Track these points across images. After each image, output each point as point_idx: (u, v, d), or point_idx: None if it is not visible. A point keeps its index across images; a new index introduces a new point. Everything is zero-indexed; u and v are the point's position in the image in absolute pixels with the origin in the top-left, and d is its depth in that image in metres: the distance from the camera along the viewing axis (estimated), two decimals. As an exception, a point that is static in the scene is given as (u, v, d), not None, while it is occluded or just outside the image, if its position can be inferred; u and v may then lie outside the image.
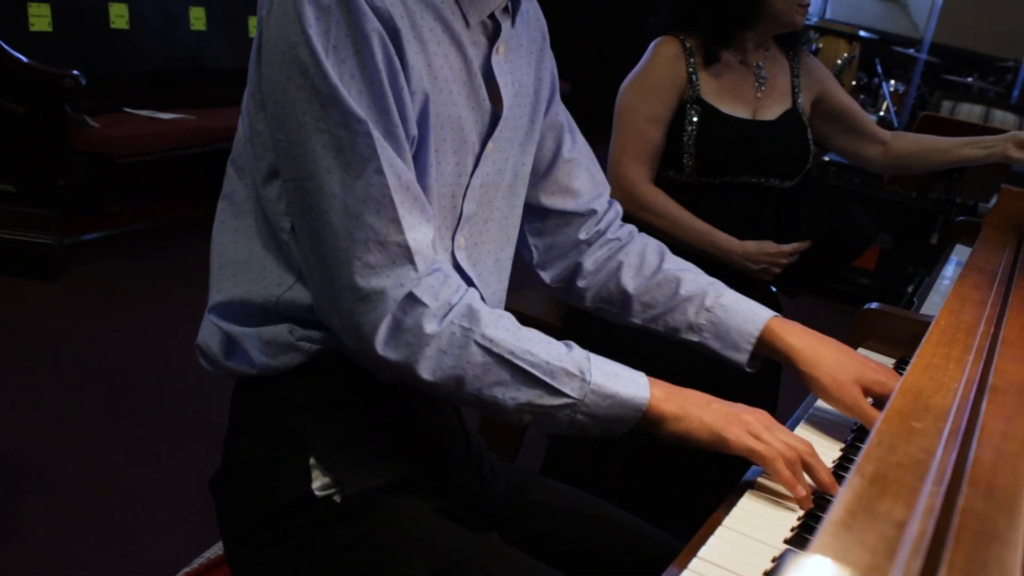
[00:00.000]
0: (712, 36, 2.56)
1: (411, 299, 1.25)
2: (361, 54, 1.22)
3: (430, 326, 1.25)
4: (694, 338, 1.62)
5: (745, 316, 1.58)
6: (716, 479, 2.28)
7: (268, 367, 1.40)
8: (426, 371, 1.27)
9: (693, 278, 1.65)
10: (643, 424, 1.31)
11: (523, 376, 1.28)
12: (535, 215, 1.69)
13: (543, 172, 1.66)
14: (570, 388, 1.28)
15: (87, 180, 4.48)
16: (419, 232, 1.27)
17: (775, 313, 1.60)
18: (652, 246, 1.72)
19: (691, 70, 2.55)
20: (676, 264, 1.69)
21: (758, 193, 2.63)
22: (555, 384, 1.28)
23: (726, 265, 2.58)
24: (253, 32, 5.49)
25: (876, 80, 7.85)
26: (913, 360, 1.07)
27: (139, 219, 4.82)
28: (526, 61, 1.51)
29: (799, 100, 2.69)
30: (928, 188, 5.77)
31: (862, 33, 7.30)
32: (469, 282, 1.46)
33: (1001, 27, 8.89)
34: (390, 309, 1.25)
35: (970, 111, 7.10)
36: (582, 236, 1.70)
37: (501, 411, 1.30)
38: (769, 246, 2.57)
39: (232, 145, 1.46)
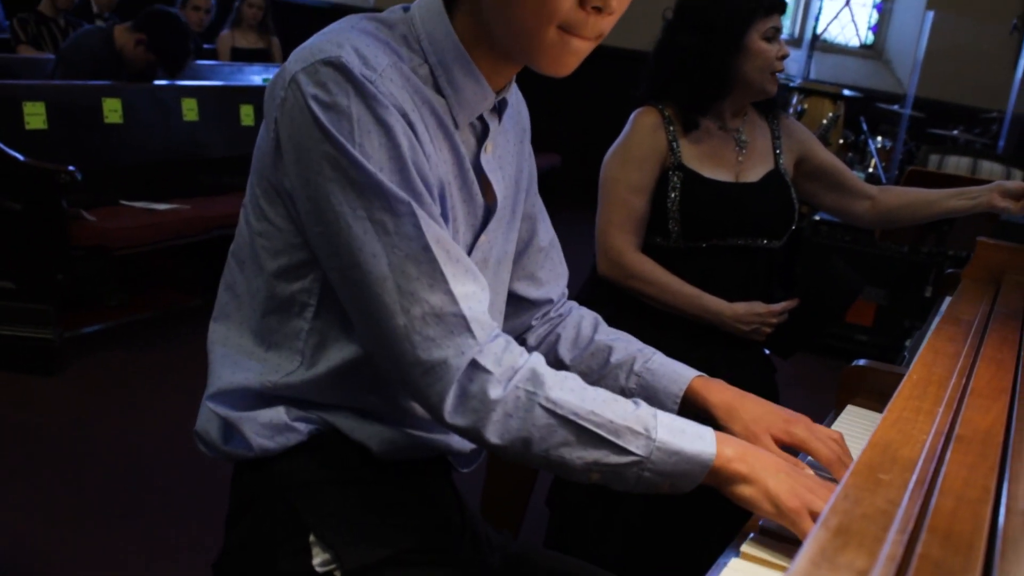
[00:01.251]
0: (689, 106, 2.61)
1: (475, 366, 1.29)
2: (389, 143, 1.28)
3: (495, 391, 1.29)
4: None
5: (670, 377, 1.62)
6: (718, 545, 2.30)
7: (266, 449, 1.43)
8: (494, 435, 1.30)
9: (624, 346, 1.69)
10: (713, 481, 1.32)
11: (588, 436, 1.30)
12: None
13: (513, 259, 1.69)
14: (636, 446, 1.30)
15: (85, 274, 4.53)
16: (473, 301, 1.31)
17: (699, 373, 1.63)
18: (588, 318, 1.76)
19: (671, 138, 2.61)
20: (608, 334, 1.73)
21: (746, 254, 2.67)
22: (621, 443, 1.30)
23: (718, 328, 2.61)
24: (245, 121, 5.57)
25: (863, 137, 7.94)
26: (884, 414, 1.10)
27: (139, 310, 4.85)
28: (511, 153, 1.57)
29: (781, 161, 2.74)
30: (919, 241, 5.83)
31: (846, 92, 7.40)
32: None
33: (983, 78, 9.01)
34: (455, 378, 1.28)
35: (957, 163, 7.18)
36: (534, 323, 1.75)
37: (569, 471, 1.32)
38: (758, 306, 2.60)
39: (233, 235, 1.50)
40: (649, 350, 1.68)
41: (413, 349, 1.29)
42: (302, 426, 1.43)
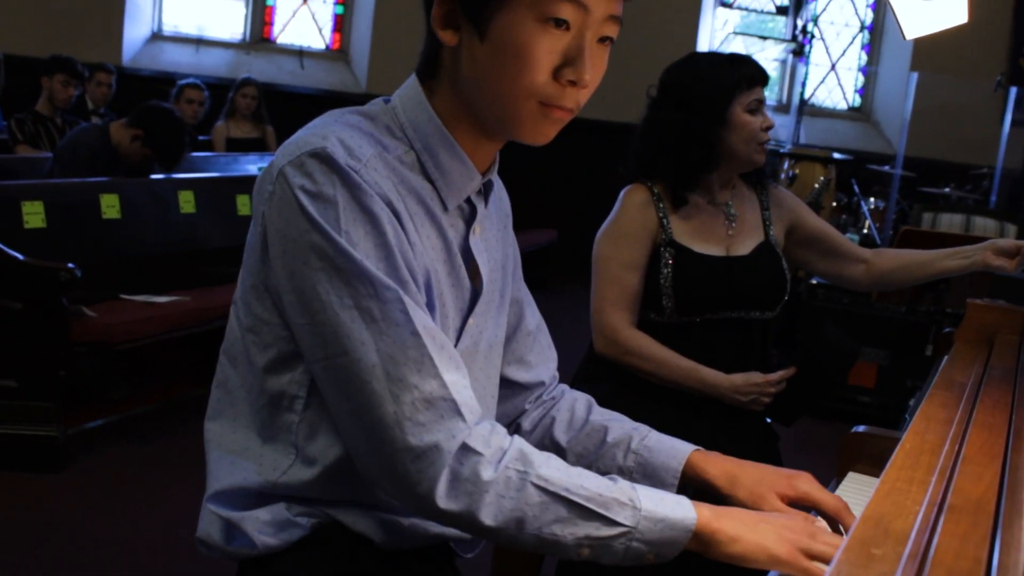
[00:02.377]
0: (677, 182, 2.65)
1: (465, 449, 1.31)
2: (374, 231, 1.32)
3: (487, 473, 1.30)
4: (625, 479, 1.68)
5: (668, 453, 1.63)
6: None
7: (269, 546, 1.45)
8: (488, 517, 1.31)
9: (619, 425, 1.71)
10: (696, 546, 1.34)
11: (579, 510, 1.32)
12: None
13: (504, 341, 1.72)
14: (623, 517, 1.32)
15: (88, 369, 4.54)
16: (460, 386, 1.33)
17: (695, 447, 1.65)
18: (581, 400, 1.78)
19: (661, 215, 2.64)
20: (603, 415, 1.75)
21: (740, 327, 2.69)
22: (609, 515, 1.32)
23: (716, 400, 2.62)
24: (242, 210, 5.62)
25: (855, 199, 8.00)
26: (876, 487, 1.11)
27: (142, 403, 4.85)
28: (496, 238, 1.60)
29: (771, 232, 2.77)
30: (917, 301, 5.85)
31: (836, 155, 7.47)
32: None
33: (971, 135, 9.10)
34: (447, 462, 1.30)
35: (951, 221, 7.23)
36: (527, 406, 1.77)
37: (561, 548, 1.33)
38: (755, 376, 2.61)
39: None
40: (644, 428, 1.70)
41: (404, 435, 1.30)
42: (304, 520, 1.44)
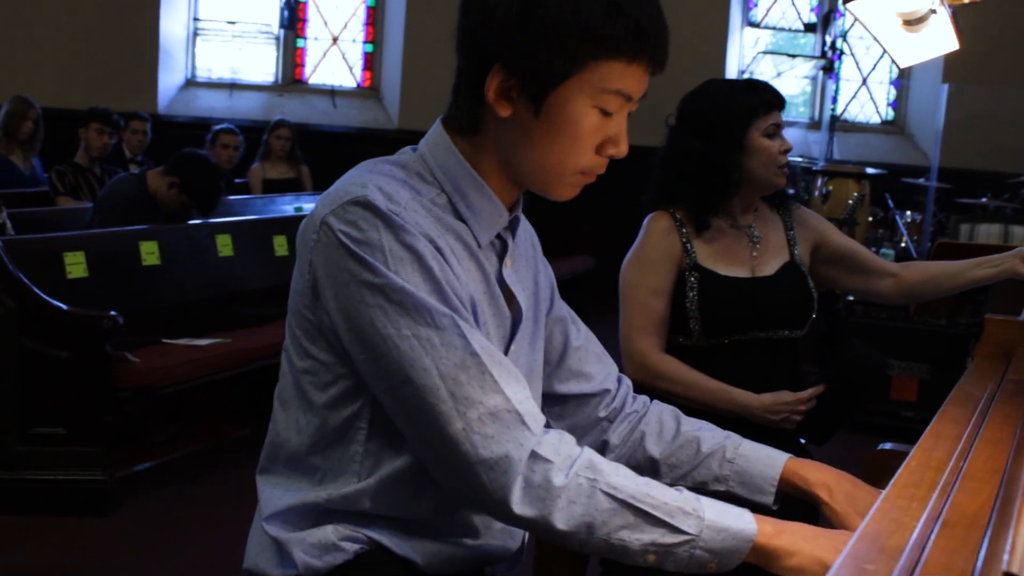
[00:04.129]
0: (699, 207, 2.68)
1: (535, 457, 1.38)
2: (421, 267, 1.41)
3: (558, 479, 1.38)
4: (721, 488, 1.76)
5: (765, 462, 1.73)
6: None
7: (312, 569, 1.52)
8: (561, 522, 1.38)
9: (711, 435, 1.80)
10: (758, 559, 1.40)
11: (646, 518, 1.39)
12: (553, 402, 1.82)
13: (556, 362, 1.81)
14: (688, 525, 1.38)
15: (133, 413, 4.62)
16: (523, 397, 1.41)
17: (789, 455, 1.75)
18: (668, 412, 1.86)
19: (685, 240, 2.68)
20: (692, 425, 1.83)
21: (768, 346, 2.71)
22: (675, 523, 1.38)
23: (748, 420, 2.64)
24: (279, 251, 5.70)
25: (891, 213, 7.97)
26: (877, 504, 1.14)
27: (187, 445, 4.93)
28: (526, 267, 1.69)
29: (796, 252, 2.79)
30: (955, 313, 5.83)
31: (869, 170, 7.46)
32: None
33: (1006, 143, 9.04)
34: (519, 471, 1.38)
35: (988, 231, 7.19)
36: (601, 414, 1.83)
37: (628, 554, 1.39)
38: (785, 395, 2.63)
39: (275, 364, 1.62)
40: (736, 437, 1.80)
41: (475, 449, 1.38)
42: (348, 545, 1.51)
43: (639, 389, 2.67)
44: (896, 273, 2.88)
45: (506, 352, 1.59)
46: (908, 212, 8.09)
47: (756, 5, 10.33)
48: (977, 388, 1.74)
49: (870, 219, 7.58)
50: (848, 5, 1.30)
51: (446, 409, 1.38)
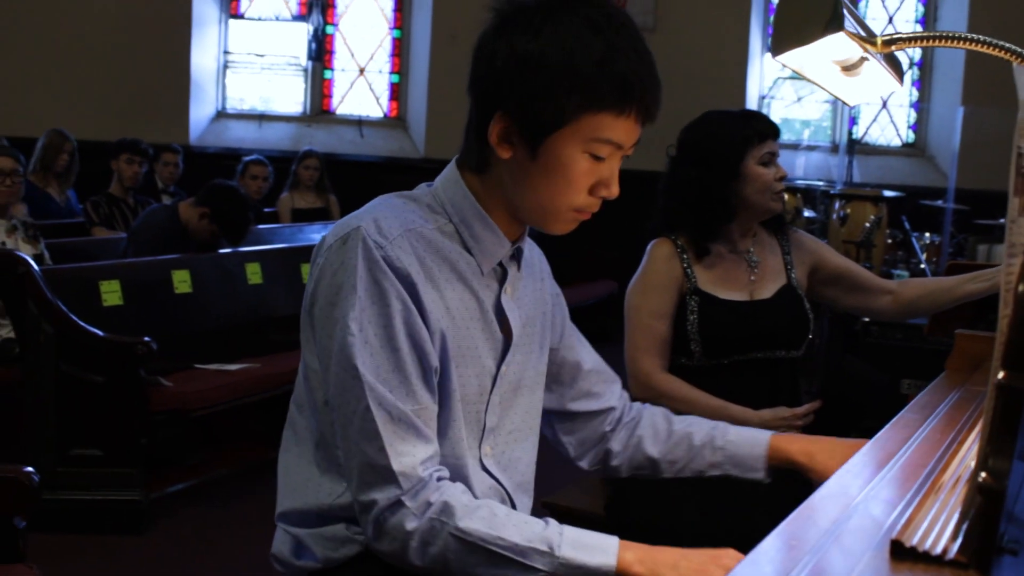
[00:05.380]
0: (699, 234, 2.83)
1: (397, 504, 1.55)
2: (381, 304, 1.58)
3: (410, 523, 1.55)
4: (718, 472, 1.97)
5: (751, 443, 1.96)
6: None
7: (330, 559, 1.68)
8: (416, 559, 1.56)
9: (699, 428, 2.00)
10: None
11: (497, 558, 1.53)
12: (565, 418, 2.01)
13: (568, 383, 1.98)
14: (541, 563, 1.53)
15: (166, 436, 4.77)
16: (406, 457, 1.56)
17: (771, 432, 1.98)
18: (659, 415, 2.04)
19: (686, 265, 2.82)
20: (682, 422, 2.03)
21: (767, 366, 2.84)
22: (527, 562, 1.53)
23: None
24: (307, 278, 5.84)
25: (913, 236, 8.03)
26: (811, 496, 1.28)
27: (219, 467, 5.05)
28: (531, 295, 1.83)
29: (793, 275, 2.92)
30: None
31: (886, 193, 7.55)
32: (496, 481, 1.75)
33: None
34: (380, 515, 1.55)
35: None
36: (606, 428, 2.01)
37: None
38: (783, 411, 2.75)
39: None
40: (722, 425, 2.01)
41: (355, 487, 1.59)
42: (360, 537, 1.66)
43: (643, 407, 2.83)
44: (892, 290, 3.00)
45: (499, 368, 1.74)
46: (927, 234, 8.15)
47: (776, 31, 10.44)
48: (937, 397, 1.87)
49: (888, 241, 7.66)
50: (779, 58, 1.42)
51: (346, 445, 1.59)
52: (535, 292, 1.86)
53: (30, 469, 2.63)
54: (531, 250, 1.88)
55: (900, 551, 1.04)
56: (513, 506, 1.76)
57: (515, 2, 1.62)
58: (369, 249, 1.58)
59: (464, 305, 1.68)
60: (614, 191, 1.64)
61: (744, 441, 1.97)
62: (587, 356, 2.02)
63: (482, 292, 1.70)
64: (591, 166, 1.61)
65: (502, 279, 1.74)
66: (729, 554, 1.53)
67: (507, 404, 1.77)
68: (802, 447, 1.91)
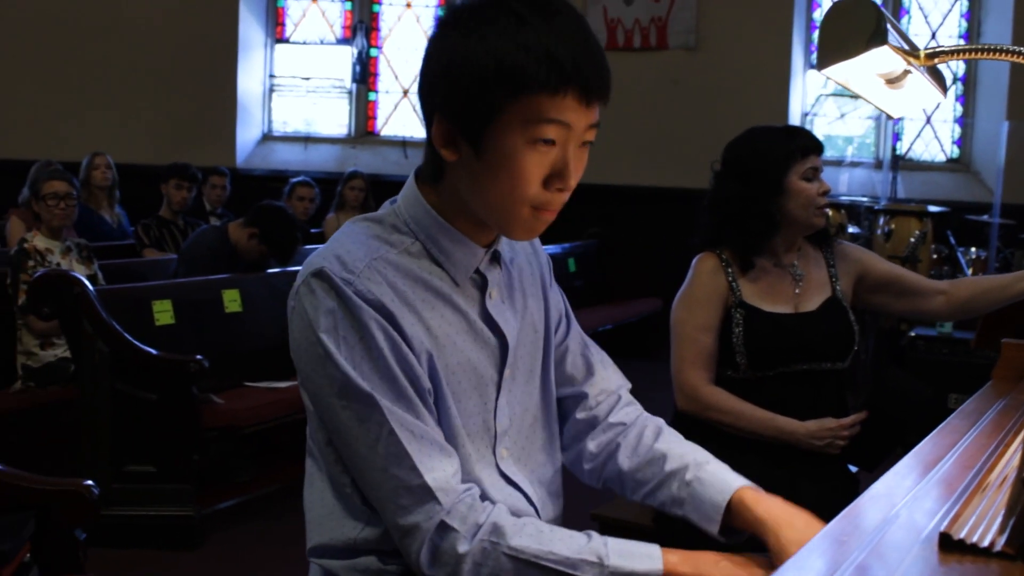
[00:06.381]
0: (743, 248, 2.86)
1: (443, 527, 1.54)
2: (364, 339, 1.57)
3: (462, 546, 1.54)
4: (679, 512, 1.75)
5: (717, 488, 1.70)
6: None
7: None
8: None
9: (680, 453, 1.78)
10: None
11: (550, 573, 1.54)
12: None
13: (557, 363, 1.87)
14: (592, 574, 1.53)
15: (218, 453, 4.84)
16: (438, 472, 1.56)
17: (748, 483, 1.72)
18: (651, 426, 1.86)
19: (730, 279, 2.85)
20: (668, 443, 1.82)
21: (813, 378, 2.86)
22: (579, 574, 1.53)
23: (794, 446, 2.79)
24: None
25: (960, 250, 8.00)
26: (858, 498, 1.30)
27: (269, 482, 5.11)
28: (529, 296, 1.79)
29: (838, 288, 2.94)
30: (1017, 347, 5.88)
31: (931, 208, 7.53)
32: (517, 488, 1.72)
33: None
34: (427, 538, 1.54)
35: (1052, 265, 7.21)
36: (579, 415, 1.88)
37: None
38: (828, 422, 2.77)
39: None
40: (705, 459, 1.76)
41: (392, 516, 1.56)
42: (395, 568, 1.65)
43: (690, 420, 2.85)
44: (945, 290, 2.98)
45: (501, 374, 1.71)
46: (973, 248, 8.12)
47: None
48: (983, 405, 1.89)
49: (934, 256, 7.64)
50: (823, 71, 1.45)
51: (373, 476, 1.56)
52: (534, 291, 1.81)
53: (90, 482, 2.71)
54: (525, 250, 1.83)
55: (948, 544, 1.07)
56: (537, 512, 1.73)
57: (453, 7, 1.61)
58: (338, 287, 1.56)
59: (447, 322, 1.64)
60: (569, 183, 1.56)
61: (712, 483, 1.71)
62: (575, 345, 1.90)
63: (464, 304, 1.67)
64: (538, 156, 1.53)
65: (482, 286, 1.70)
66: (762, 562, 1.56)
67: (516, 400, 1.73)
68: (773, 515, 1.63)
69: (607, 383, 1.92)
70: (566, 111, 1.52)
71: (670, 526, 2.67)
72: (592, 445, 1.87)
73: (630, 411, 1.90)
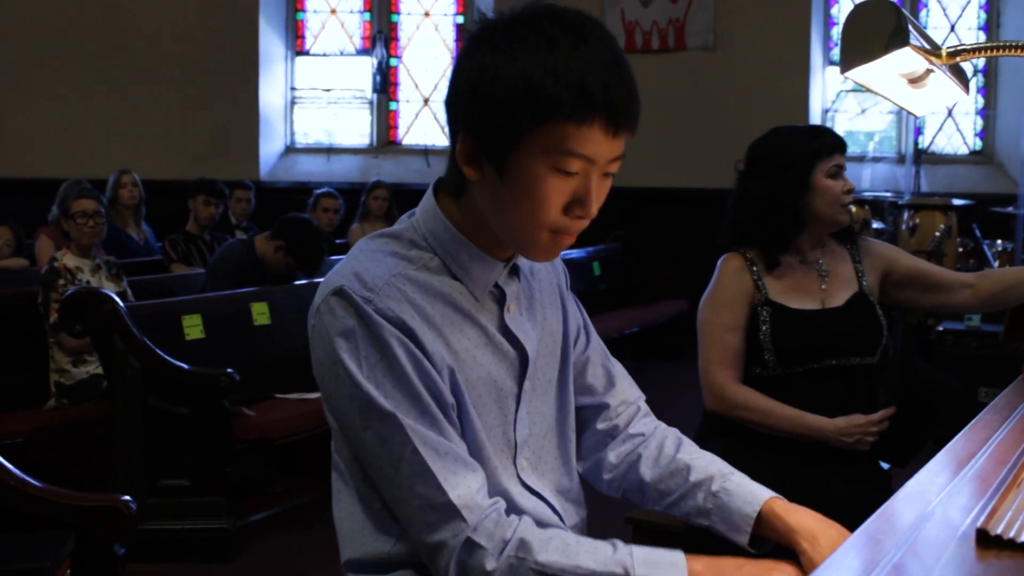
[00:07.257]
0: (769, 246, 2.86)
1: (469, 544, 1.54)
2: (386, 357, 1.57)
3: (490, 563, 1.54)
4: (705, 522, 1.77)
5: (745, 498, 1.73)
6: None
7: None
8: None
9: (704, 465, 1.80)
10: None
11: None
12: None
13: (577, 374, 1.88)
14: None
15: (250, 465, 4.87)
16: (463, 488, 1.56)
17: (775, 494, 1.74)
18: (671, 438, 1.88)
19: (756, 278, 2.86)
20: (690, 454, 1.84)
21: (842, 373, 2.86)
22: None
23: (825, 444, 2.79)
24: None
25: (980, 243, 7.97)
26: (897, 492, 1.31)
27: (301, 494, 5.12)
28: (547, 306, 1.80)
29: (864, 283, 2.94)
30: (1046, 340, 5.85)
31: (955, 201, 7.50)
32: (540, 498, 1.72)
33: (1096, 168, 8.97)
34: (454, 555, 1.54)
35: (1079, 256, 7.18)
36: (600, 426, 1.89)
37: None
38: (857, 418, 2.77)
39: None
40: (728, 470, 1.79)
41: (419, 533, 1.57)
42: None
43: (719, 420, 2.86)
44: (972, 283, 2.96)
45: (521, 386, 1.71)
46: (999, 241, 8.08)
47: (837, 44, 10.43)
48: (1015, 399, 1.89)
49: (960, 250, 7.60)
50: (847, 74, 1.46)
51: (399, 494, 1.56)
52: (552, 303, 1.81)
53: (127, 498, 2.74)
54: (545, 265, 1.83)
55: (985, 539, 1.08)
56: (561, 519, 1.74)
57: (485, 21, 1.58)
58: (358, 305, 1.56)
59: (467, 337, 1.64)
60: (590, 211, 1.55)
61: (740, 494, 1.73)
62: (586, 345, 1.90)
63: (483, 318, 1.67)
64: (560, 183, 1.53)
65: (501, 300, 1.70)
66: (785, 569, 1.56)
67: (535, 411, 1.74)
68: (806, 526, 1.66)
69: (627, 394, 1.94)
70: (590, 143, 1.51)
71: (705, 531, 2.70)
72: (612, 456, 1.89)
73: (648, 422, 1.93)
